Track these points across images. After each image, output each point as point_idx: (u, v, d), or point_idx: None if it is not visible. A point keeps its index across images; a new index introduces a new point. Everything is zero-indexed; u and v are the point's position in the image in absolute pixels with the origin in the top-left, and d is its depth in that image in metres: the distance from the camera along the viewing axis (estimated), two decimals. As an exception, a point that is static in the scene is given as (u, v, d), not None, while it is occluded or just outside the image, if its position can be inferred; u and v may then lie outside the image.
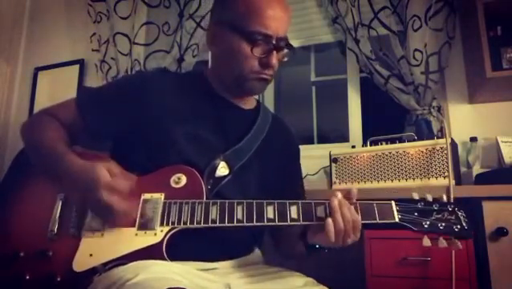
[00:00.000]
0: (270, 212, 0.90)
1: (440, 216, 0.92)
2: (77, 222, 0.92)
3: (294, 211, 0.90)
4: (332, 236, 0.86)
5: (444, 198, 0.95)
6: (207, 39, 1.11)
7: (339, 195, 0.90)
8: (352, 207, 0.90)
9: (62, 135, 1.02)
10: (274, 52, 1.02)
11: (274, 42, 1.01)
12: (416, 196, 0.95)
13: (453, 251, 1.27)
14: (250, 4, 1.01)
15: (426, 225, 0.91)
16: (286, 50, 1.08)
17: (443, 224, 0.91)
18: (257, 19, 1.00)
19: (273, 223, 0.89)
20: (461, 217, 0.91)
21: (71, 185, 0.90)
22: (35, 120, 1.10)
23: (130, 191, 0.89)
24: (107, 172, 0.87)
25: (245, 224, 0.89)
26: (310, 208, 0.91)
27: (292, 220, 0.90)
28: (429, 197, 0.95)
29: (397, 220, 0.91)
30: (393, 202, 0.93)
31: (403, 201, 0.94)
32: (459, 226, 0.90)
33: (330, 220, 0.86)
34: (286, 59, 1.10)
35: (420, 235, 0.92)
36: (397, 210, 0.92)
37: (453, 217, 0.91)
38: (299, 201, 0.92)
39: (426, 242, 0.91)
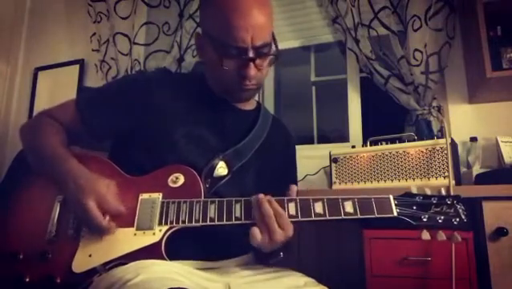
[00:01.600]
0: None
1: (438, 209, 0.91)
2: (76, 224, 0.92)
3: (292, 208, 0.90)
4: (257, 237, 0.86)
5: (443, 192, 0.94)
6: (195, 47, 1.10)
7: (260, 195, 0.88)
8: (274, 201, 0.88)
9: (62, 137, 1.02)
10: (251, 64, 0.95)
11: (250, 54, 0.94)
12: (414, 190, 0.95)
13: (453, 251, 1.27)
14: (220, 14, 0.94)
15: (425, 219, 0.90)
16: (269, 57, 1.01)
17: (442, 217, 0.90)
18: (228, 32, 0.92)
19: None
20: (460, 210, 0.91)
21: (68, 189, 0.91)
22: (34, 122, 1.09)
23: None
24: (105, 188, 0.89)
25: (243, 222, 0.89)
26: (308, 204, 0.90)
27: (291, 217, 0.89)
28: (428, 192, 0.94)
29: (396, 214, 0.90)
30: (391, 196, 0.92)
31: (401, 195, 0.93)
32: (458, 219, 0.90)
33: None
34: (271, 65, 1.05)
35: (419, 234, 0.92)
36: (395, 204, 0.91)
37: (451, 211, 0.91)
38: (297, 198, 0.91)
39: (425, 235, 0.91)
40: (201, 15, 1.06)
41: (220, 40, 0.95)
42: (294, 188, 0.93)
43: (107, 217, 0.89)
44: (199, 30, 1.08)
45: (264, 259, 1.00)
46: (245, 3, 0.93)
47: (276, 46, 1.02)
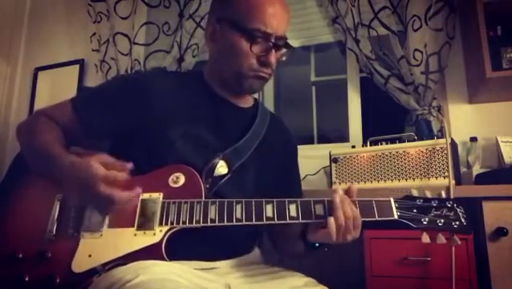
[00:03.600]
0: (269, 210, 0.90)
1: (439, 212, 0.92)
2: (75, 223, 0.92)
3: (293, 209, 0.90)
4: (334, 234, 0.86)
5: (443, 195, 0.95)
6: (206, 36, 1.10)
7: (341, 191, 0.90)
8: (352, 203, 0.90)
9: (58, 136, 1.01)
10: (273, 51, 1.01)
11: (273, 40, 1.01)
12: (415, 192, 0.95)
13: (453, 251, 1.27)
14: (251, 1, 1.00)
15: (425, 222, 0.91)
16: (284, 50, 1.07)
17: (442, 220, 0.91)
18: (257, 17, 0.99)
19: (272, 222, 0.89)
20: (460, 214, 0.91)
21: (68, 185, 0.91)
22: (31, 122, 1.09)
23: (126, 179, 0.90)
24: (101, 166, 0.88)
25: (244, 223, 0.89)
26: (309, 206, 0.90)
27: (291, 218, 0.89)
28: (428, 194, 0.95)
29: (396, 217, 0.91)
30: (392, 199, 0.92)
31: (402, 198, 0.94)
32: (458, 223, 0.90)
33: (332, 219, 0.86)
34: (284, 59, 1.10)
35: (419, 234, 0.92)
36: (396, 207, 0.91)
37: (451, 214, 0.91)
38: (298, 200, 0.91)
39: (425, 238, 0.91)
40: (219, 4, 1.09)
41: (248, 24, 0.99)
42: (353, 187, 0.93)
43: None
44: (205, 22, 1.10)
45: (301, 253, 1.02)
46: None
47: (288, 42, 1.07)
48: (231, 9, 1.03)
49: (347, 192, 0.92)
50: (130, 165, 0.93)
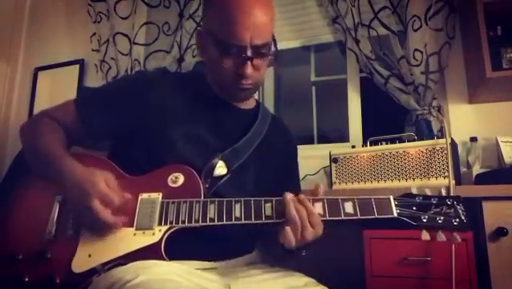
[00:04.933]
0: (267, 209, 0.90)
1: (438, 210, 0.91)
2: (75, 223, 0.92)
3: None
4: (289, 235, 0.86)
5: (443, 192, 0.94)
6: (196, 44, 1.10)
7: (290, 194, 0.89)
8: (306, 199, 0.89)
9: (60, 137, 1.02)
10: (248, 62, 0.96)
11: (248, 52, 0.95)
12: (414, 190, 0.95)
13: (453, 251, 1.27)
14: (222, 11, 0.95)
15: (425, 220, 0.90)
16: (270, 57, 1.01)
17: (442, 218, 0.91)
18: (228, 29, 0.93)
19: (271, 220, 0.89)
20: (460, 211, 0.91)
21: (66, 189, 0.91)
22: (34, 122, 1.09)
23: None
24: (105, 183, 0.88)
25: (243, 222, 0.89)
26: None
27: None
28: (428, 192, 0.95)
29: (396, 214, 0.90)
30: (391, 197, 0.92)
31: (401, 195, 0.93)
32: (458, 220, 0.90)
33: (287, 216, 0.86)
34: (271, 66, 1.05)
35: (419, 234, 0.92)
36: (395, 205, 0.91)
37: (451, 211, 0.91)
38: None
39: (425, 236, 0.91)
40: (203, 12, 1.07)
41: (220, 37, 0.95)
42: (321, 186, 0.93)
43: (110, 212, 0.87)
44: (200, 28, 1.08)
45: (282, 257, 1.00)
46: (248, 2, 0.94)
47: (275, 48, 1.02)
48: (209, 19, 1.01)
49: (314, 192, 0.92)
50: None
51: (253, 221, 0.89)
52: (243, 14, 0.93)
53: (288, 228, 0.86)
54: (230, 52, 0.96)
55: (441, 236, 0.90)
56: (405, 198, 0.93)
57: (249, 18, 0.93)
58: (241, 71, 0.97)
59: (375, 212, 0.90)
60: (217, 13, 0.97)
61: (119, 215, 0.89)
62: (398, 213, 0.91)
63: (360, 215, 0.89)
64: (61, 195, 0.95)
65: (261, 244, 1.15)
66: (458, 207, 0.92)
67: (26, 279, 0.87)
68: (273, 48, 1.01)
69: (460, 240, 0.91)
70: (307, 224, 0.87)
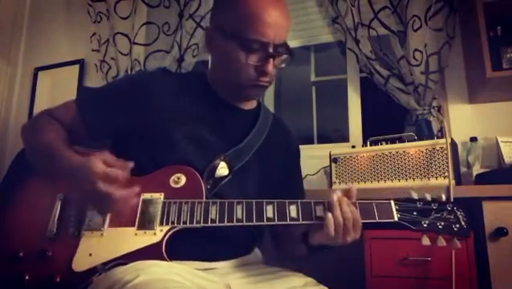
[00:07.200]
0: (269, 211, 0.90)
1: (439, 215, 0.92)
2: (76, 222, 0.92)
3: (293, 210, 0.90)
4: (331, 231, 0.86)
5: (443, 197, 0.95)
6: (205, 42, 1.10)
7: (339, 192, 0.91)
8: (352, 205, 0.90)
9: (62, 135, 1.02)
10: (271, 60, 0.99)
11: (270, 50, 0.98)
12: (414, 194, 0.96)
13: (453, 251, 1.27)
14: (247, 10, 0.97)
15: (425, 225, 0.91)
16: (284, 56, 1.05)
17: (442, 223, 0.91)
18: (253, 26, 0.96)
19: (272, 222, 0.89)
20: (460, 217, 0.92)
21: (69, 182, 0.90)
22: (35, 121, 1.09)
23: (127, 179, 0.89)
24: (102, 164, 0.86)
25: (244, 223, 0.89)
26: (309, 207, 0.91)
27: (292, 219, 0.90)
28: (428, 197, 0.95)
29: (396, 219, 0.91)
30: (392, 202, 0.93)
31: (402, 200, 0.94)
32: (458, 226, 0.91)
33: (330, 215, 0.87)
34: (283, 65, 1.07)
35: (419, 235, 0.92)
36: (396, 210, 0.92)
37: (451, 217, 0.92)
38: (298, 201, 0.91)
39: (425, 241, 0.92)
40: (217, 10, 1.08)
41: (244, 34, 0.97)
42: (353, 189, 0.93)
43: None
44: (205, 22, 1.08)
45: (300, 255, 1.03)
46: (272, 1, 0.98)
47: (288, 48, 1.05)
48: (228, 17, 1.01)
49: (347, 193, 0.92)
50: (131, 164, 0.92)
51: (254, 222, 0.89)
52: (269, 13, 0.97)
53: (332, 225, 0.87)
54: (253, 49, 0.97)
55: (442, 241, 0.91)
56: (406, 203, 0.94)
57: (274, 16, 0.97)
58: (263, 68, 0.99)
59: (376, 216, 0.91)
60: (240, 10, 0.98)
61: (121, 215, 0.89)
62: (399, 218, 0.92)
63: (361, 219, 0.90)
64: (62, 193, 0.96)
65: (275, 242, 1.16)
66: (458, 213, 0.92)
67: (27, 278, 0.87)
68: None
69: (460, 246, 0.92)
70: (351, 228, 0.88)
